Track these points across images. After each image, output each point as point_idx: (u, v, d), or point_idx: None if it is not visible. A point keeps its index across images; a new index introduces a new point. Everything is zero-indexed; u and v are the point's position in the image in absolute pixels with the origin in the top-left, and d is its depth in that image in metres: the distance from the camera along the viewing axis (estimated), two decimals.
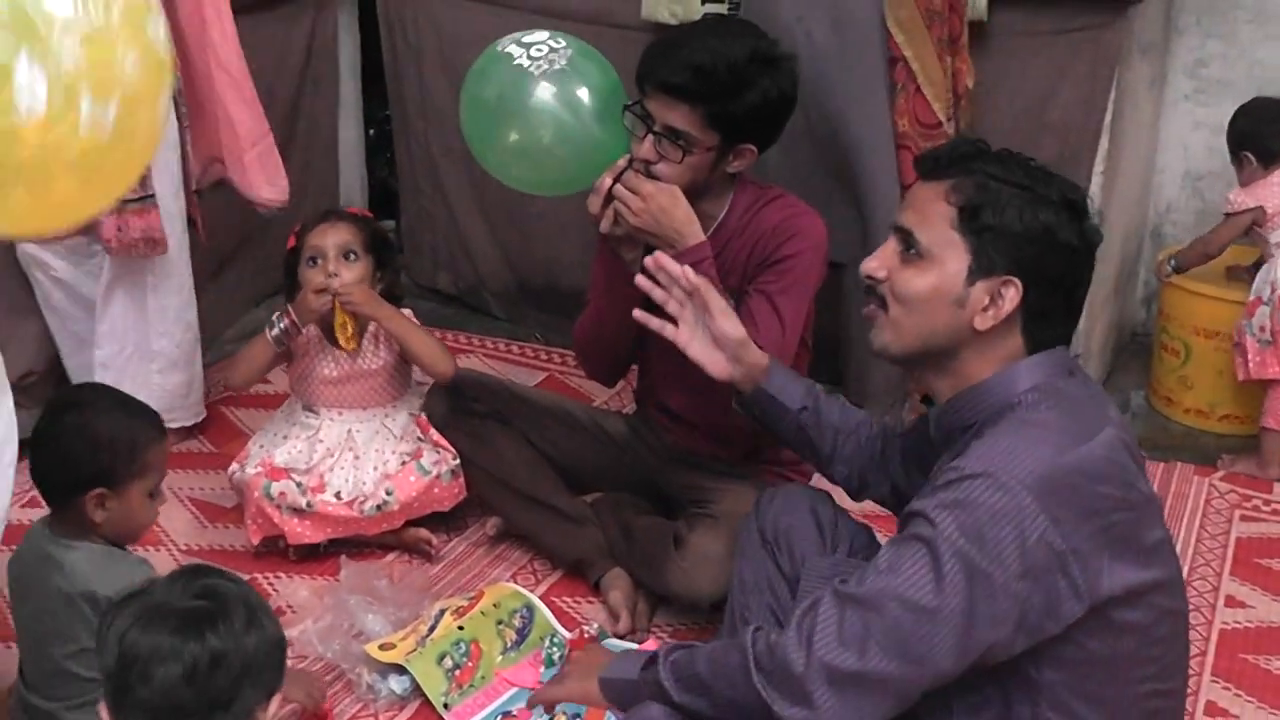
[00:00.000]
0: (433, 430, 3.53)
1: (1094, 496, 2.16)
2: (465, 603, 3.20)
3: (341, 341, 3.41)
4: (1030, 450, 2.14)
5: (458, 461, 3.51)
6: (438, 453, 3.55)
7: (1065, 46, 4.05)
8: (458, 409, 3.51)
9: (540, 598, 3.28)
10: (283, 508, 3.46)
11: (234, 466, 3.57)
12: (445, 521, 3.59)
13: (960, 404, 2.34)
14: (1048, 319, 2.33)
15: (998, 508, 2.10)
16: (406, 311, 3.55)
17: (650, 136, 3.05)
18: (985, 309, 2.28)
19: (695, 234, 3.03)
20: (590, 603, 3.41)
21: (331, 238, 3.42)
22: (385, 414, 3.59)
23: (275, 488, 3.46)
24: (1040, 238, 2.29)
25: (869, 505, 2.92)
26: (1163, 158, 4.84)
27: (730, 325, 2.75)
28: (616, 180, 3.03)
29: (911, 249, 2.33)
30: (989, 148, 2.39)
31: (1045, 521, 2.10)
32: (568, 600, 3.38)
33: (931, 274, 2.31)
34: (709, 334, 2.76)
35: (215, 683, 1.87)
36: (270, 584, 3.45)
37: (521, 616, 3.15)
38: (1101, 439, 2.21)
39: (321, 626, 3.17)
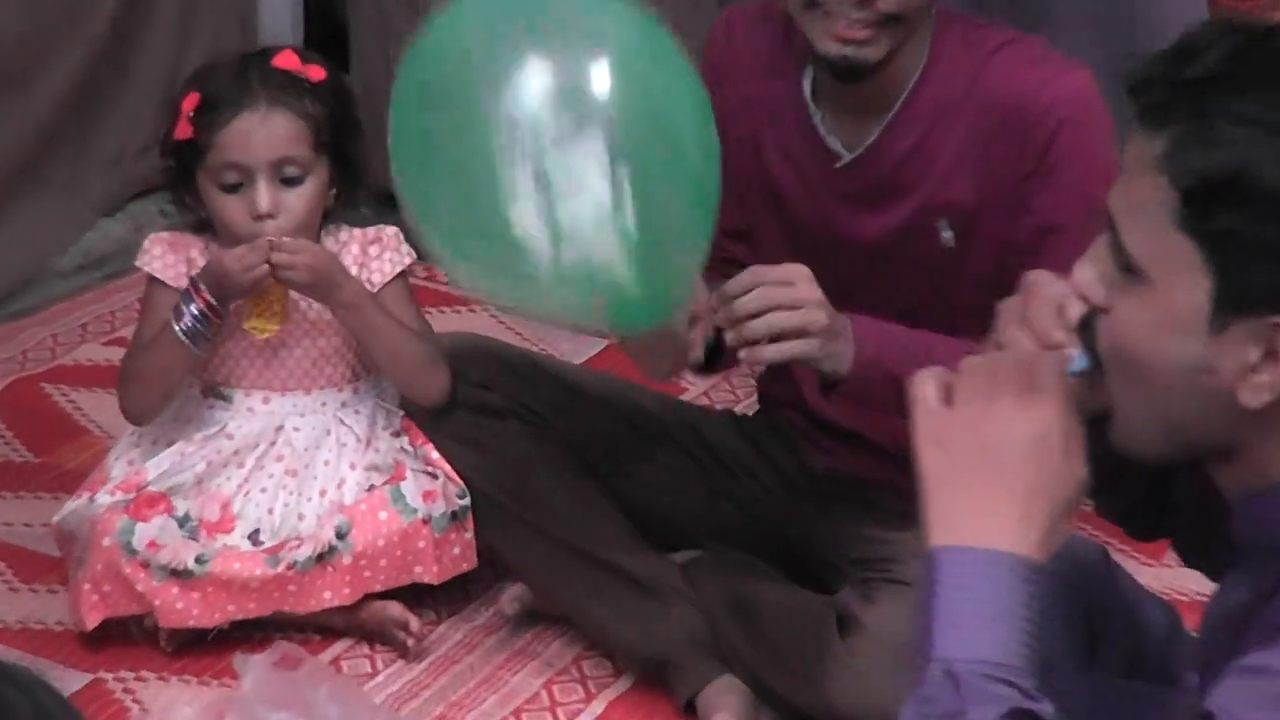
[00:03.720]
0: (427, 443, 2.71)
1: None
2: None
3: (252, 324, 2.68)
4: None
5: (465, 499, 2.68)
6: (433, 477, 2.69)
7: None
8: (456, 401, 2.69)
9: None
10: (153, 567, 2.58)
11: (77, 501, 2.70)
12: (433, 591, 2.76)
13: (1265, 516, 1.67)
14: None
15: None
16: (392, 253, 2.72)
17: None
18: (1254, 371, 1.57)
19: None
20: None
21: (262, 146, 2.60)
22: (341, 401, 2.76)
23: (142, 533, 2.59)
24: None
25: None
26: None
27: None
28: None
29: (1125, 264, 1.63)
30: (1249, 50, 1.60)
31: None
32: None
33: (1150, 311, 1.63)
34: None
35: None
36: (126, 690, 2.61)
37: None
38: None
39: None
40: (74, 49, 3.83)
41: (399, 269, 2.69)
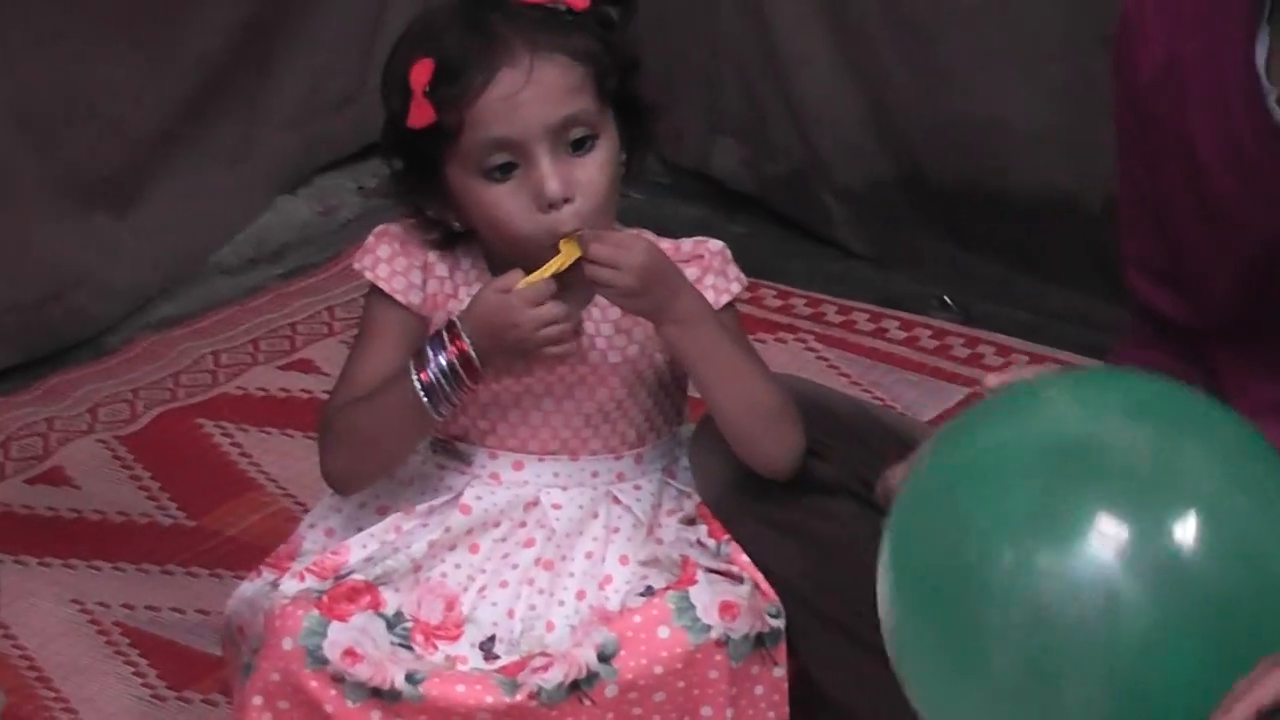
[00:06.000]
0: (732, 540, 2.27)
1: None
2: None
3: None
4: None
5: (779, 619, 2.23)
6: (737, 583, 2.23)
7: None
8: None
9: None
10: (347, 684, 2.13)
11: (255, 584, 2.27)
12: None
13: None
14: None
15: None
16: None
17: None
18: None
19: None
20: None
21: (535, 110, 2.15)
22: (618, 472, 2.30)
23: (337, 636, 2.13)
24: None
25: None
26: None
27: None
28: None
29: None
30: None
31: None
32: None
33: None
34: None
35: None
36: None
37: None
38: None
39: None
40: None
41: (727, 298, 2.21)
